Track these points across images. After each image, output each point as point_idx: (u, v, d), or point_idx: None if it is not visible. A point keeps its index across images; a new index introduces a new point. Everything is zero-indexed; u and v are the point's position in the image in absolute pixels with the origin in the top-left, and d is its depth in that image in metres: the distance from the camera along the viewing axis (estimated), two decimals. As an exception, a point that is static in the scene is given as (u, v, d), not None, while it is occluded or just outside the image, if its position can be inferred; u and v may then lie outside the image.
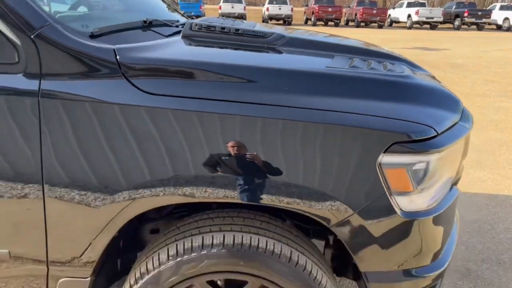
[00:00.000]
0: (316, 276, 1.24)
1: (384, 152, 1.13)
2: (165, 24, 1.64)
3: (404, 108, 1.20)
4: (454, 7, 25.61)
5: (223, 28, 1.53)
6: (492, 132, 4.71)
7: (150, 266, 1.24)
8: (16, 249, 1.21)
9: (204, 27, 1.52)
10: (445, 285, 2.15)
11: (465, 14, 24.43)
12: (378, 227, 1.17)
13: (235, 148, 1.13)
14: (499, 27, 24.94)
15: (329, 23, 24.78)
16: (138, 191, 1.15)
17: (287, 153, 1.13)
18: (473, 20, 24.45)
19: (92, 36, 1.22)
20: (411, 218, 1.18)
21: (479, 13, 24.61)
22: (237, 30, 1.53)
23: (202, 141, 1.12)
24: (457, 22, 24.76)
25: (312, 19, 24.35)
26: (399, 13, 25.65)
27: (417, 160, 1.16)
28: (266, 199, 1.16)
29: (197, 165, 1.14)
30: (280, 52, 1.47)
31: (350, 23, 26.31)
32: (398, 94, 1.25)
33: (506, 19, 24.28)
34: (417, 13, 23.89)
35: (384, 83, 1.27)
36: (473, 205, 3.00)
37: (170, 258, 1.21)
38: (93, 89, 1.12)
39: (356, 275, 1.52)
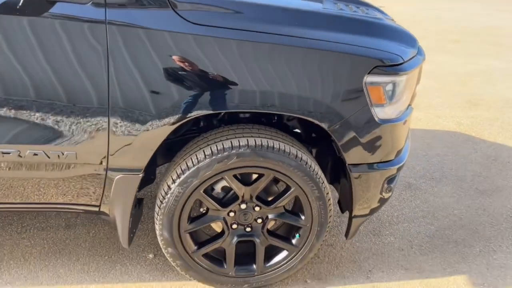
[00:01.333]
0: (314, 168, 1.66)
1: (368, 74, 1.54)
2: None
3: (381, 42, 1.62)
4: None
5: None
6: (427, 80, 5.40)
7: (190, 164, 1.58)
8: (82, 152, 1.48)
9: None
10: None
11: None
12: (361, 130, 1.61)
13: (253, 69, 1.47)
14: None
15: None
16: (182, 104, 1.46)
17: (298, 73, 1.50)
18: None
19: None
20: (385, 123, 1.63)
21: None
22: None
23: (223, 62, 1.44)
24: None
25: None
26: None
27: (390, 80, 1.60)
28: (287, 108, 1.53)
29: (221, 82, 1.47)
30: None
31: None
32: (376, 31, 1.66)
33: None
34: None
35: (366, 22, 1.68)
36: (411, 138, 3.62)
37: (206, 156, 1.57)
38: (148, 18, 1.39)
39: (333, 179, 1.99)
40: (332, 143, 1.74)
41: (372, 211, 1.85)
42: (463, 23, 10.64)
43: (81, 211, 1.68)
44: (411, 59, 1.69)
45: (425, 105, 4.49)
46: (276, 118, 1.95)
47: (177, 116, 1.47)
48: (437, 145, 3.53)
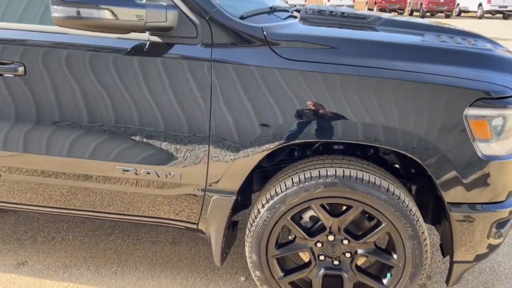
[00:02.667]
0: (408, 204, 1.59)
1: (469, 106, 1.45)
2: (284, 10, 2.05)
3: (487, 73, 1.51)
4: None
5: (331, 11, 1.91)
6: None
7: (278, 190, 1.65)
8: (186, 174, 1.67)
9: (316, 11, 1.90)
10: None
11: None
12: (461, 166, 1.50)
13: (350, 102, 1.50)
14: None
15: (392, 13, 24.19)
16: (271, 134, 1.56)
17: (400, 107, 1.48)
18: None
19: (242, 18, 1.65)
20: (492, 160, 1.49)
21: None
22: (342, 13, 1.90)
23: (325, 94, 1.50)
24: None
25: (375, 9, 23.91)
26: (468, 1, 24.37)
27: (497, 114, 1.47)
28: (383, 142, 1.52)
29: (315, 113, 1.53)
30: (384, 31, 1.81)
31: (415, 13, 25.48)
32: (481, 62, 1.56)
33: None
34: (489, 1, 22.58)
35: (469, 53, 1.59)
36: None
37: (294, 184, 1.62)
38: (247, 56, 1.55)
39: (435, 219, 1.85)
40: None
41: (478, 257, 1.66)
42: None
43: (183, 227, 1.85)
44: (523, 91, 1.53)
45: None
46: (371, 151, 1.93)
47: (265, 146, 1.57)
48: None
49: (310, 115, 1.54)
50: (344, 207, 1.67)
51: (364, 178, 1.58)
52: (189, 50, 1.58)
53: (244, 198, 1.97)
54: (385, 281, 1.73)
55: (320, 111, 1.53)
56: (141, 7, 1.46)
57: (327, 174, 1.60)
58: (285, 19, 1.97)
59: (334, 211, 1.70)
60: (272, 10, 1.96)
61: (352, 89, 1.50)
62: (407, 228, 1.59)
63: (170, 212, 1.79)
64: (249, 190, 1.98)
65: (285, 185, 1.64)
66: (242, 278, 2.13)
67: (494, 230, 1.61)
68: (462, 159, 1.49)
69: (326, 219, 1.68)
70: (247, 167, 1.62)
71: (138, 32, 1.54)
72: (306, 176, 1.62)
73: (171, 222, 1.83)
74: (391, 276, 1.70)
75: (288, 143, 1.57)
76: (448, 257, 1.81)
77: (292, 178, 1.64)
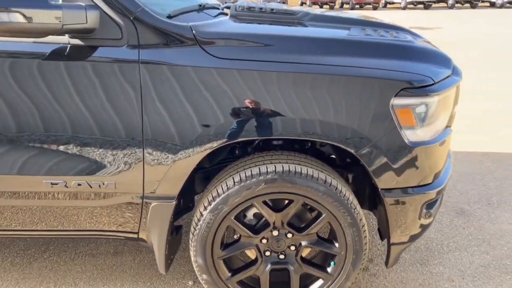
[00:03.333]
0: (345, 194, 1.64)
1: (394, 96, 1.52)
2: (214, 7, 2.02)
3: (409, 64, 1.59)
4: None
5: (260, 8, 1.91)
6: (489, 101, 5.11)
7: (220, 191, 1.63)
8: (120, 182, 1.60)
9: (246, 8, 1.89)
10: (443, 221, 2.56)
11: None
12: (390, 153, 1.57)
13: (286, 97, 1.51)
14: (492, 4, 25.14)
15: (324, 6, 24.98)
16: (212, 133, 1.53)
17: (324, 100, 1.52)
18: (469, -3, 24.65)
19: (169, 17, 1.59)
20: (418, 146, 1.58)
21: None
22: (272, 9, 1.91)
23: (261, 91, 1.50)
24: (450, 1, 24.91)
25: (307, 2, 24.52)
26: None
27: (420, 102, 1.55)
28: (320, 135, 1.55)
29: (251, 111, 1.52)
30: (312, 26, 1.84)
31: (345, 5, 26.51)
32: (404, 54, 1.64)
33: (500, -5, 24.49)
34: None
35: (392, 46, 1.66)
36: (468, 162, 3.41)
37: (235, 183, 1.61)
38: (177, 56, 1.50)
39: (372, 205, 1.94)
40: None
41: (412, 238, 1.76)
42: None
43: (123, 237, 1.78)
44: (443, 79, 1.64)
45: (486, 127, 4.24)
46: (309, 144, 1.97)
47: (204, 146, 1.54)
48: (497, 168, 3.30)
49: (248, 113, 1.53)
50: (286, 202, 1.70)
51: (303, 171, 1.61)
52: (115, 52, 1.50)
53: (186, 201, 1.92)
54: (329, 269, 1.77)
55: (258, 109, 1.52)
56: (57, 8, 1.36)
57: (267, 170, 1.60)
58: (215, 16, 1.94)
59: (276, 206, 1.71)
60: (202, 8, 1.92)
61: (287, 85, 1.51)
62: (346, 216, 1.65)
63: (108, 224, 1.71)
64: (191, 193, 1.94)
65: (227, 185, 1.63)
66: (190, 283, 2.09)
67: (424, 211, 1.71)
68: (391, 146, 1.57)
69: (269, 215, 1.69)
70: (187, 170, 1.58)
71: (57, 35, 1.43)
72: (247, 175, 1.61)
73: (110, 233, 1.75)
74: (334, 264, 1.76)
75: (228, 143, 1.55)
76: (382, 240, 1.91)
77: (233, 178, 1.63)
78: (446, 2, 25.22)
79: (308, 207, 1.75)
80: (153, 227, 1.69)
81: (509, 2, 24.26)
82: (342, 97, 1.52)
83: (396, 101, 1.53)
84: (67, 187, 1.60)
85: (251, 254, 1.83)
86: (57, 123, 1.53)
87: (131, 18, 1.48)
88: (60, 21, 1.36)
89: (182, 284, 2.08)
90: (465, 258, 2.22)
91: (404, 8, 24.55)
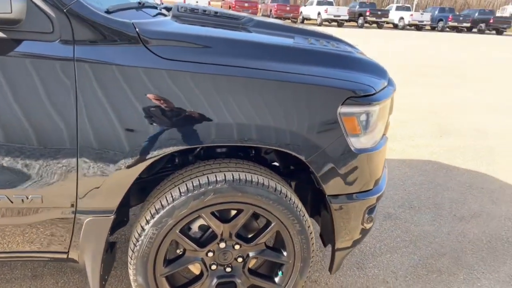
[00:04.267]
0: (294, 201, 1.63)
1: (341, 105, 1.55)
2: (153, 7, 1.89)
3: (353, 74, 1.64)
4: (357, 6, 27.93)
5: (204, 10, 1.84)
6: (400, 112, 5.55)
7: (164, 202, 1.51)
8: (48, 195, 1.40)
9: (189, 9, 1.81)
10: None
11: (367, 13, 26.83)
12: (339, 160, 1.59)
13: (232, 101, 1.46)
14: (395, 26, 27.79)
15: (246, 17, 25.50)
16: (154, 141, 1.42)
17: (273, 106, 1.49)
18: (374, 19, 26.96)
19: (107, 12, 1.45)
20: (361, 153, 1.63)
21: (379, 12, 27.19)
22: (216, 12, 1.85)
23: (199, 96, 1.42)
24: (360, 21, 27.02)
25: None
26: (310, 10, 27.22)
27: (363, 111, 1.60)
28: (264, 141, 1.50)
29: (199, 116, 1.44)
30: (256, 31, 1.81)
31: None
32: (348, 64, 1.68)
33: (401, 18, 27.18)
34: (326, 11, 25.63)
35: (337, 56, 1.70)
36: (388, 168, 3.65)
37: (182, 194, 1.51)
38: (117, 55, 1.37)
39: (314, 211, 1.95)
40: (311, 175, 1.72)
41: (355, 242, 1.81)
42: (430, 58, 11.14)
43: (48, 259, 1.56)
44: (382, 89, 1.71)
45: (399, 136, 4.58)
46: (253, 152, 1.93)
47: (149, 154, 1.42)
48: (413, 174, 3.57)
49: (193, 119, 1.44)
50: (233, 212, 1.63)
51: (253, 180, 1.56)
52: (44, 47, 1.32)
53: (120, 215, 1.76)
54: (277, 279, 1.74)
55: (206, 115, 1.44)
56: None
57: (216, 179, 1.52)
58: (154, 16, 1.83)
59: (222, 217, 1.64)
60: (141, 6, 1.79)
61: (237, 90, 1.46)
62: (295, 224, 1.63)
63: (33, 244, 1.49)
64: (125, 205, 1.78)
65: (172, 196, 1.52)
66: (125, 303, 1.91)
67: (366, 216, 1.76)
68: (338, 153, 1.59)
69: (217, 227, 1.61)
70: (128, 180, 1.44)
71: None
72: (194, 184, 1.52)
73: (34, 255, 1.53)
74: (282, 274, 1.73)
75: (175, 150, 1.45)
76: (326, 246, 1.93)
77: (179, 188, 1.52)
78: (357, 22, 27.27)
79: (254, 216, 1.70)
80: (87, 245, 1.51)
81: (408, 25, 27.03)
82: (292, 105, 1.51)
83: (342, 109, 1.56)
84: (-19, 202, 1.36)
85: (195, 269, 1.73)
86: None
87: (65, 10, 1.32)
88: (-20, 9, 1.16)
89: (116, 306, 1.90)
90: (396, 260, 2.34)
91: (320, 24, 26.01)
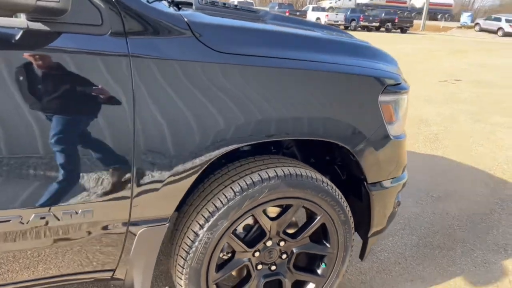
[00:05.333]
0: (337, 192, 1.64)
1: (381, 93, 1.60)
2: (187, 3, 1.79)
3: (383, 64, 1.70)
4: (276, 7, 28.79)
5: (224, 4, 1.77)
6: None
7: (218, 204, 1.43)
8: (100, 208, 1.24)
9: (209, 2, 1.73)
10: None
11: (286, 14, 27.78)
12: (379, 148, 1.64)
13: (288, 94, 1.43)
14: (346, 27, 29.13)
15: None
16: (216, 139, 1.33)
17: (331, 98, 1.49)
18: (293, 19, 27.97)
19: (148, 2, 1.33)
20: (396, 140, 1.69)
21: (298, 13, 28.29)
22: (235, 5, 1.79)
23: (256, 89, 1.37)
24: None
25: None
26: (309, 16, 27.19)
27: (396, 99, 1.67)
28: (318, 134, 1.50)
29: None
30: (278, 25, 1.79)
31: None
32: (375, 55, 1.74)
33: (318, 19, 28.55)
34: (327, 16, 25.97)
35: (367, 47, 1.75)
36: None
37: (236, 194, 1.44)
38: (173, 49, 1.26)
39: None
40: (335, 166, 1.76)
41: (384, 228, 1.87)
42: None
43: (89, 279, 1.39)
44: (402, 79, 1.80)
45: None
46: (273, 148, 1.90)
47: (209, 153, 1.33)
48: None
49: (251, 114, 1.36)
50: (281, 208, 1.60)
51: (302, 173, 1.54)
52: (94, 41, 1.17)
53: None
54: (319, 271, 1.74)
55: (266, 108, 1.37)
56: (28, -20, 0.99)
57: (269, 176, 1.48)
58: (178, 8, 1.72)
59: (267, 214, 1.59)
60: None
61: (295, 82, 1.42)
62: (340, 214, 1.65)
63: (76, 265, 1.32)
64: None
65: (226, 197, 1.44)
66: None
67: (396, 200, 1.84)
68: (380, 142, 1.64)
69: (266, 224, 1.56)
70: (186, 183, 1.33)
71: (26, 13, 1.05)
72: (248, 183, 1.46)
73: (76, 277, 1.35)
74: (325, 265, 1.73)
75: (231, 148, 1.37)
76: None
77: (231, 188, 1.45)
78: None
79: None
80: (138, 259, 1.37)
81: (360, 27, 28.48)
82: (343, 96, 1.52)
83: (381, 98, 1.60)
84: (23, 223, 1.17)
85: (235, 273, 1.67)
86: (10, 137, 1.11)
87: (113, 0, 1.18)
88: (32, -4, 0.99)
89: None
90: (398, 242, 2.47)
91: None
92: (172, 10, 1.33)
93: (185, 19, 1.31)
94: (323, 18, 28.30)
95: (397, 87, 1.67)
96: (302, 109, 1.45)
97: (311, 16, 28.68)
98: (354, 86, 1.55)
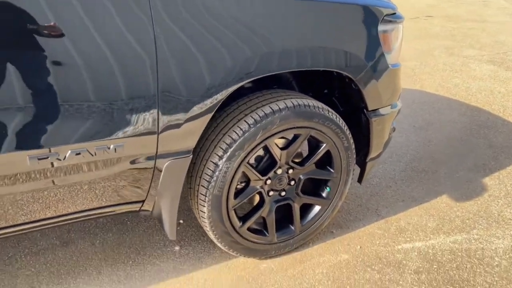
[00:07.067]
0: (341, 120, 1.75)
1: (380, 22, 1.67)
2: None
3: (381, -4, 1.75)
4: None
5: None
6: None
7: (235, 136, 1.52)
8: (130, 142, 1.31)
9: None
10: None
11: None
12: (379, 76, 1.74)
13: (295, 25, 1.48)
14: None
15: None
16: (234, 71, 1.38)
17: (335, 29, 1.55)
18: None
19: None
20: (393, 68, 1.79)
21: None
22: None
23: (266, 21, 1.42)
24: None
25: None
26: None
27: (393, 28, 1.75)
28: (323, 64, 1.58)
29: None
30: None
31: None
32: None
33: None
34: None
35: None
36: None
37: (251, 125, 1.53)
38: None
39: None
40: (333, 97, 1.87)
41: (381, 153, 2.02)
42: None
43: (119, 212, 1.48)
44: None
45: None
46: (273, 83, 1.97)
47: (228, 85, 1.39)
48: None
49: (261, 46, 1.41)
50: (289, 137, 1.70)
51: (309, 104, 1.64)
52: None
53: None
54: (324, 194, 1.90)
55: (281, 39, 1.44)
56: None
57: (279, 107, 1.57)
58: None
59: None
60: None
61: (301, 14, 1.47)
62: (344, 141, 1.77)
63: (111, 197, 1.40)
64: None
65: (241, 129, 1.53)
66: (177, 248, 1.91)
67: (391, 126, 1.98)
68: (379, 70, 1.73)
69: (277, 153, 1.67)
70: (208, 114, 1.40)
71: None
72: (260, 115, 1.54)
73: (106, 210, 1.44)
74: (330, 189, 1.89)
75: (248, 80, 1.43)
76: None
77: (245, 120, 1.54)
78: None
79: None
80: (166, 190, 1.47)
81: None
82: (347, 26, 1.59)
83: (380, 27, 1.68)
84: (60, 159, 1.23)
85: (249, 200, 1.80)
86: (34, 75, 1.14)
87: None
88: None
89: (168, 251, 1.89)
90: (388, 168, 2.67)
91: None
92: None
93: None
94: None
95: (394, 16, 1.74)
96: (310, 40, 1.51)
97: None
98: (356, 17, 1.62)
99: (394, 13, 1.75)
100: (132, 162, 1.36)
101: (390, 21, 1.72)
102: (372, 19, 1.65)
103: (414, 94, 4.04)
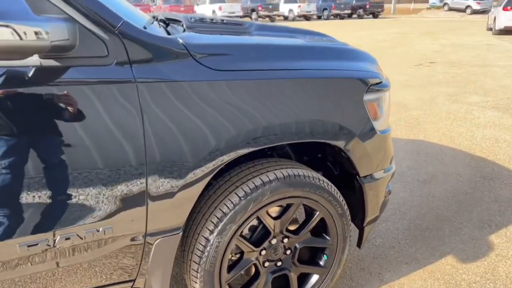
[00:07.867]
0: (332, 187, 1.76)
1: (365, 92, 1.72)
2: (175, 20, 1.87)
3: (363, 65, 1.82)
4: (249, 2, 28.74)
5: (211, 19, 1.86)
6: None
7: (225, 209, 1.54)
8: (119, 223, 1.34)
9: (198, 20, 1.82)
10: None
11: (259, 8, 27.83)
12: (368, 143, 1.77)
13: (285, 102, 1.53)
14: (286, 18, 29.25)
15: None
16: (221, 149, 1.43)
17: (321, 102, 1.60)
18: (266, 13, 28.03)
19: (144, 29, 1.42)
20: (382, 134, 1.82)
21: (270, 6, 28.34)
22: (222, 20, 1.88)
23: (254, 101, 1.47)
24: (254, 16, 27.89)
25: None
26: (203, 9, 27.27)
27: (379, 96, 1.80)
28: (313, 135, 1.61)
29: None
30: (263, 35, 1.89)
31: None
32: (356, 56, 1.86)
33: (291, 10, 28.71)
34: (220, 8, 25.95)
35: (347, 50, 1.87)
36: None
37: (241, 198, 1.55)
38: (174, 72, 1.35)
39: None
40: (328, 163, 1.88)
41: (377, 217, 2.01)
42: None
43: (111, 291, 1.48)
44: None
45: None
46: (267, 150, 2.01)
47: (216, 161, 1.43)
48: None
49: (256, 121, 1.47)
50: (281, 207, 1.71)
51: (300, 173, 1.66)
52: (103, 72, 1.25)
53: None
54: (322, 262, 1.87)
55: (266, 116, 1.48)
56: (42, 21, 1.07)
57: (269, 179, 1.59)
58: (167, 28, 1.81)
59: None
60: (154, 20, 1.75)
61: (289, 91, 1.53)
62: (337, 208, 1.77)
63: (101, 277, 1.41)
64: None
65: (232, 202, 1.55)
66: (173, 322, 1.87)
67: (386, 190, 1.98)
68: (368, 137, 1.76)
69: (270, 224, 1.68)
70: (196, 191, 1.43)
71: (41, 54, 1.13)
72: (250, 187, 1.56)
73: (100, 290, 1.44)
74: (327, 257, 1.86)
75: (240, 154, 1.47)
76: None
77: (236, 193, 1.56)
78: (250, 17, 28.05)
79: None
80: (156, 267, 1.47)
81: (298, 16, 28.73)
82: (332, 99, 1.64)
83: (366, 97, 1.73)
84: (49, 245, 1.25)
85: (244, 272, 1.77)
86: (28, 165, 1.19)
87: (116, 31, 1.27)
88: (47, 38, 1.07)
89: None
90: (391, 227, 2.62)
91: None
92: (171, 36, 1.41)
93: (182, 42, 1.40)
94: (296, 9, 28.50)
95: (379, 86, 1.79)
96: (299, 114, 1.56)
97: (284, 8, 28.85)
98: (340, 89, 1.67)
99: (380, 82, 1.81)
100: (121, 242, 1.37)
101: (376, 90, 1.77)
102: (357, 90, 1.70)
103: (418, 145, 4.04)
